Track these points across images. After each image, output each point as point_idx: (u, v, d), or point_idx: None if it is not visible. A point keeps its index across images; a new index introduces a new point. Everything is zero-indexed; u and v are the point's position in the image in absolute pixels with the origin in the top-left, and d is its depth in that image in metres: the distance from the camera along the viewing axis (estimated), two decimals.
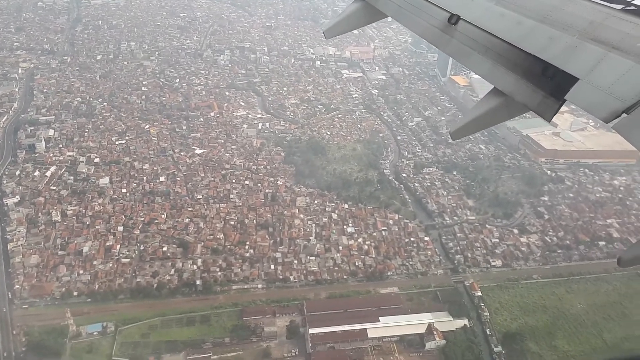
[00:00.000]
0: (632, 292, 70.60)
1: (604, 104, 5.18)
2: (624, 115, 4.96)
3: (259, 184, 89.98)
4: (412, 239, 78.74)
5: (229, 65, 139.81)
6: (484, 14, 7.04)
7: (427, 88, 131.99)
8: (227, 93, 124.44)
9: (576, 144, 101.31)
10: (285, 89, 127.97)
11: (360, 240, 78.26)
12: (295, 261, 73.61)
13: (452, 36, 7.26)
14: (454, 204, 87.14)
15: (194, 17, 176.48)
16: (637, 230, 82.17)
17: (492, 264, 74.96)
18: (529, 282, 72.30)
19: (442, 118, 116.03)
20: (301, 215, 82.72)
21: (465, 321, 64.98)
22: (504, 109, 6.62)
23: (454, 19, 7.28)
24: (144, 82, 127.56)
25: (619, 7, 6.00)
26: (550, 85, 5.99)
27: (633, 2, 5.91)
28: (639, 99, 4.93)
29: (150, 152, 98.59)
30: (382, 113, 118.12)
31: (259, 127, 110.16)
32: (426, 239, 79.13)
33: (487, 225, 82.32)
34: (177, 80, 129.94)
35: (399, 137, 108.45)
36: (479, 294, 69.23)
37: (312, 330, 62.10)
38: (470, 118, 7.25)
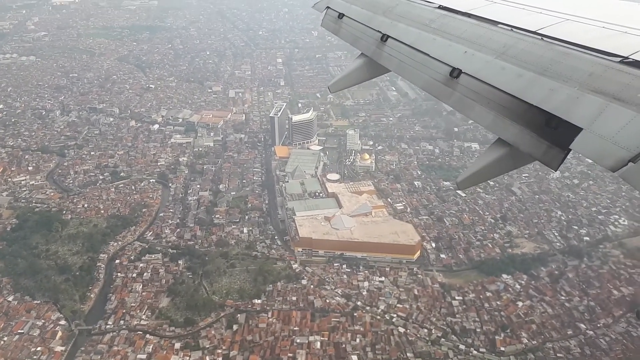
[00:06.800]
0: None
1: (610, 153, 5.04)
2: (631, 164, 4.82)
3: None
4: (39, 349, 63.12)
5: (61, 127, 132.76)
6: (485, 68, 6.92)
7: (252, 158, 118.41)
8: (27, 156, 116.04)
9: (341, 233, 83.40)
10: (92, 153, 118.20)
11: None
12: None
13: (454, 89, 7.21)
14: (139, 303, 71.19)
15: (82, 77, 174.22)
16: (335, 355, 62.91)
17: None
18: None
19: (233, 193, 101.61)
20: None
21: None
22: (509, 159, 6.58)
23: (455, 73, 7.20)
24: None
25: (617, 59, 5.80)
26: (554, 135, 5.84)
27: (631, 55, 5.64)
28: None
29: None
30: (171, 185, 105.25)
31: (21, 195, 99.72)
32: (58, 349, 63.32)
33: (148, 336, 65.60)
34: None
35: (161, 214, 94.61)
36: None
37: None
38: (476, 168, 6.95)
